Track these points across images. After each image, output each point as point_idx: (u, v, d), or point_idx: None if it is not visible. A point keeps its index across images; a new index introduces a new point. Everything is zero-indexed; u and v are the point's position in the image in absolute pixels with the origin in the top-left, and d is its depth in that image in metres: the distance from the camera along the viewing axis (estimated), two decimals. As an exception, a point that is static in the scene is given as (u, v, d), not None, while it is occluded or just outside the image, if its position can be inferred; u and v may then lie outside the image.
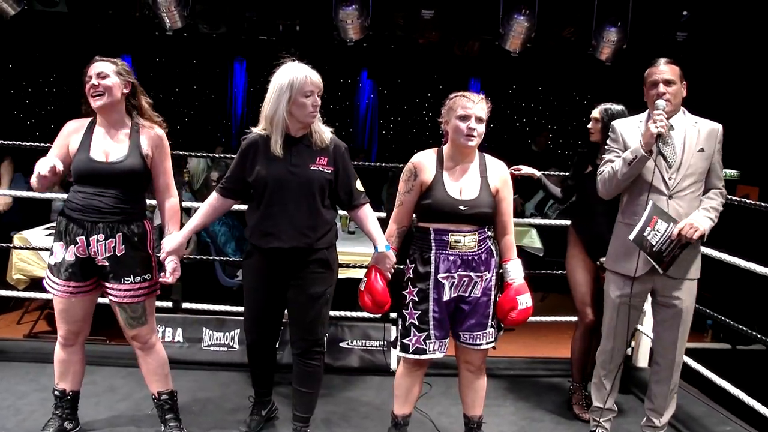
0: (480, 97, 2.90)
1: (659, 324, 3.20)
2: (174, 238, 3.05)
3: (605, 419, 3.29)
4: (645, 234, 2.94)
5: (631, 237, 2.96)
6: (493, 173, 2.97)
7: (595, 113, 3.67)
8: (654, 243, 2.95)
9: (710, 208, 3.03)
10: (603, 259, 3.35)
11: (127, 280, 2.99)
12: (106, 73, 2.91)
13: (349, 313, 4.34)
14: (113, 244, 2.94)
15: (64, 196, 3.10)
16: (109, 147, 2.95)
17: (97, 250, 2.93)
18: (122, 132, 2.99)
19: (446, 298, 2.93)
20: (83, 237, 2.91)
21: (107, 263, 2.96)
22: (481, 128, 2.86)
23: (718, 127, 3.08)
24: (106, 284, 3.01)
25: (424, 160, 2.97)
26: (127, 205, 2.97)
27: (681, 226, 2.93)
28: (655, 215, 2.94)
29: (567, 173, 4.00)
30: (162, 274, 3.04)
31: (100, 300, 3.15)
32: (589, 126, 3.71)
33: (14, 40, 8.12)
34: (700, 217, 2.99)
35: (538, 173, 4.01)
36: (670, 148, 2.98)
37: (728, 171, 7.70)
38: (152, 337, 3.14)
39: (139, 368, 3.20)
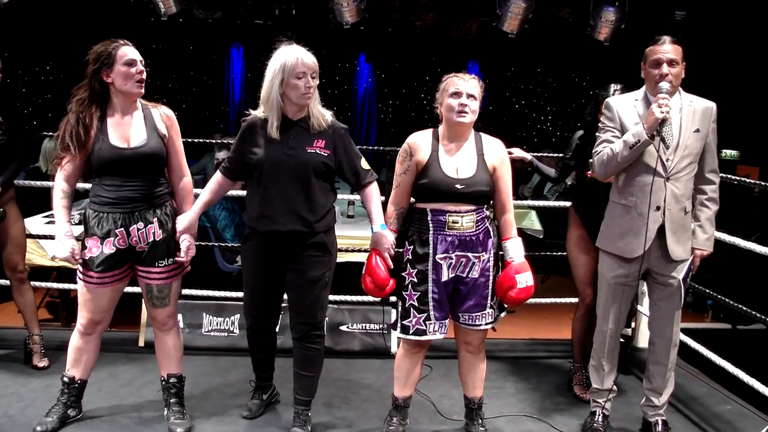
0: (471, 75, 2.91)
1: (655, 303, 3.20)
2: (185, 217, 3.07)
3: (605, 400, 3.30)
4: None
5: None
6: (489, 151, 2.96)
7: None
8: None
9: (712, 217, 3.14)
10: None
11: (161, 263, 3.03)
12: (143, 61, 2.96)
13: (349, 297, 4.35)
14: (152, 230, 2.98)
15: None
16: (128, 132, 2.95)
17: (138, 238, 2.96)
18: (136, 116, 3.00)
19: (444, 278, 2.93)
20: (122, 229, 2.92)
21: (147, 248, 2.99)
22: (474, 105, 2.86)
23: (712, 105, 3.07)
24: (140, 267, 3.04)
25: (419, 140, 2.96)
26: (156, 189, 3.00)
27: (698, 263, 3.19)
28: (686, 279, 3.16)
29: (561, 154, 3.97)
30: (177, 252, 3.07)
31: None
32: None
33: (9, 28, 8.06)
34: (710, 242, 3.15)
35: (529, 156, 3.99)
36: (668, 128, 2.97)
37: (728, 151, 7.70)
38: (172, 320, 3.19)
39: (149, 352, 3.23)
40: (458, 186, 2.87)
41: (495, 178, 2.96)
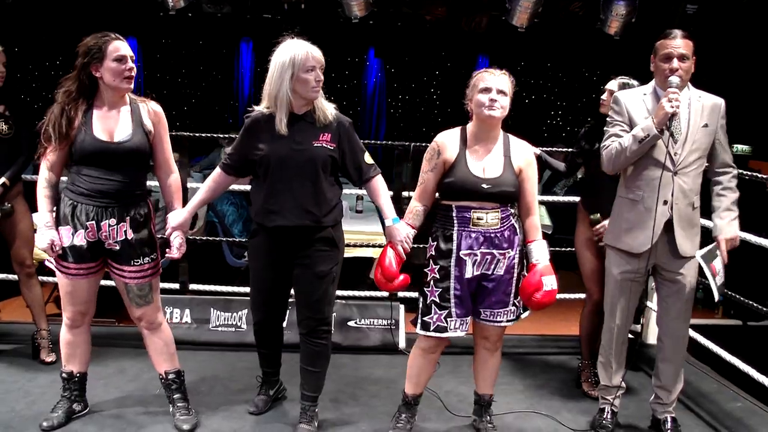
0: (502, 71, 2.88)
1: (663, 299, 3.18)
2: (179, 214, 3.06)
3: (613, 397, 3.27)
4: (720, 285, 3.04)
5: (717, 297, 3.08)
6: (516, 153, 2.94)
7: (612, 85, 3.59)
8: (724, 280, 3.06)
9: (731, 205, 3.04)
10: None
11: (137, 262, 2.99)
12: (133, 56, 2.92)
13: (357, 293, 4.33)
14: (124, 228, 2.93)
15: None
16: (113, 126, 2.91)
17: (109, 234, 2.92)
18: (123, 111, 2.96)
19: (468, 275, 2.91)
20: (93, 222, 2.89)
21: (117, 246, 2.95)
22: (504, 101, 2.83)
23: (720, 101, 3.04)
24: (114, 265, 3.00)
25: (447, 139, 2.95)
26: (132, 187, 2.95)
27: (725, 249, 3.00)
28: (711, 263, 3.01)
29: (572, 149, 3.95)
30: (168, 249, 3.04)
31: (110, 283, 3.14)
32: (603, 97, 3.63)
33: (19, 23, 8.08)
34: (732, 227, 3.02)
35: (538, 151, 3.97)
36: (676, 122, 2.94)
37: (740, 146, 7.63)
38: (158, 316, 3.14)
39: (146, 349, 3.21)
40: (484, 185, 2.85)
41: (521, 179, 2.93)
